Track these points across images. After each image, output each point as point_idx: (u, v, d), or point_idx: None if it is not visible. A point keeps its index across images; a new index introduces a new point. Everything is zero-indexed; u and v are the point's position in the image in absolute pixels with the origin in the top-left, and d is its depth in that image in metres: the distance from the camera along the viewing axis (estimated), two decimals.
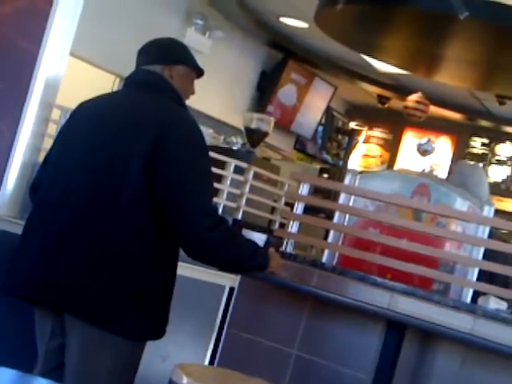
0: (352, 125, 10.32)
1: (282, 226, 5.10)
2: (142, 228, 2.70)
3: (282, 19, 7.51)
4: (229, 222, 2.90)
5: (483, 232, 3.20)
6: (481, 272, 3.21)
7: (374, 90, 9.00)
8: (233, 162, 5.12)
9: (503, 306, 3.14)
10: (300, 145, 9.65)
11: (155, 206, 2.70)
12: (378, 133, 10.38)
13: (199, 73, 3.00)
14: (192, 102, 3.13)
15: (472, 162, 8.72)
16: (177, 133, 2.74)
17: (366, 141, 10.39)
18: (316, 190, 6.59)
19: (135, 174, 2.68)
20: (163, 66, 2.88)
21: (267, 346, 3.20)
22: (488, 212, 3.30)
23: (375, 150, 10.37)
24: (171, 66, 2.89)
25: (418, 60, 6.53)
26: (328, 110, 9.63)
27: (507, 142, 9.57)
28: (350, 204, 3.41)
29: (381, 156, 10.31)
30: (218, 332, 4.40)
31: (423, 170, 7.87)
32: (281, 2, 7.00)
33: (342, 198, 3.42)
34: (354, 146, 10.20)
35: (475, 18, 4.82)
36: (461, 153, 9.80)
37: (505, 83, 6.68)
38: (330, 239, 3.42)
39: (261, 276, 2.99)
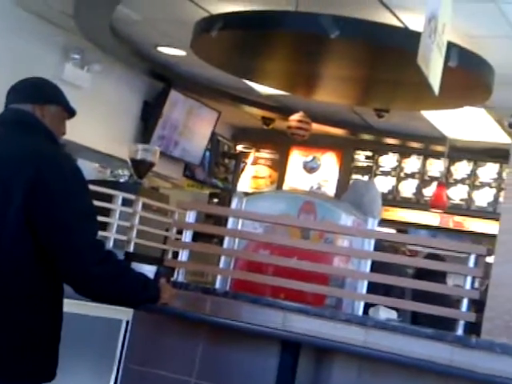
0: (239, 148, 10.41)
1: (177, 255, 5.09)
2: (23, 269, 2.65)
3: (160, 48, 7.53)
4: (117, 256, 2.87)
5: (369, 244, 3.28)
6: (375, 284, 3.29)
7: (258, 112, 9.11)
8: (120, 195, 5.09)
9: (393, 315, 3.22)
10: (189, 171, 9.67)
11: (37, 247, 2.66)
12: (265, 154, 10.51)
13: (71, 112, 2.98)
14: (76, 136, 3.11)
15: (365, 179, 8.93)
16: (54, 172, 2.71)
17: (255, 162, 10.50)
18: (208, 216, 6.62)
19: (16, 216, 2.63)
20: (35, 105, 2.85)
21: (166, 377, 3.18)
22: (372, 225, 3.38)
23: (264, 170, 10.49)
24: (43, 106, 2.86)
25: (296, 81, 6.64)
26: (213, 136, 9.69)
27: (390, 154, 9.84)
28: (239, 227, 3.43)
29: (270, 176, 10.43)
30: (118, 368, 4.34)
31: (311, 187, 8.00)
32: (157, 32, 7.02)
33: (231, 222, 3.44)
34: (243, 169, 10.30)
35: (346, 37, 4.95)
36: (346, 167, 10.01)
37: (381, 97, 6.88)
38: (221, 264, 3.43)
39: (154, 308, 2.97)
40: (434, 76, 3.64)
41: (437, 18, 3.60)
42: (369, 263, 3.24)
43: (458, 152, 9.16)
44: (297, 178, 10.05)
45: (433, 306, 3.06)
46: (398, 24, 5.73)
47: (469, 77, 5.35)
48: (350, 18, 5.08)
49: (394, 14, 5.66)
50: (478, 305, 3.05)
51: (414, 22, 5.45)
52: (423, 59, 3.53)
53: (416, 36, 3.40)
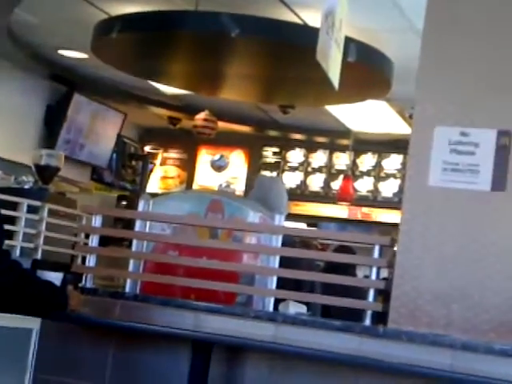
0: (147, 149, 10.34)
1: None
2: None
3: (61, 51, 7.41)
4: (22, 265, 2.82)
5: (277, 240, 3.30)
6: (285, 279, 3.31)
7: (164, 112, 9.07)
8: (25, 202, 5.00)
9: (303, 309, 3.26)
10: (96, 175, 9.55)
11: None
12: (173, 154, 10.46)
13: None
14: None
15: (270, 175, 8.99)
16: None
17: (163, 163, 10.44)
18: (118, 219, 6.55)
19: None
20: None
21: None
22: (279, 220, 3.40)
23: (173, 171, 10.44)
24: None
25: (200, 80, 6.64)
26: (119, 138, 9.60)
27: (297, 149, 9.93)
28: (148, 229, 3.41)
29: (179, 176, 10.39)
30: (30, 378, 4.25)
31: (220, 186, 8.01)
32: (57, 35, 6.91)
33: (138, 224, 3.42)
34: (152, 170, 10.23)
35: (247, 35, 4.97)
36: (255, 164, 10.06)
37: (284, 94, 6.93)
38: (130, 267, 3.40)
39: (62, 315, 2.93)
40: (334, 71, 3.68)
41: (334, 13, 3.64)
42: (277, 259, 3.27)
43: (363, 145, 9.31)
44: (206, 176, 10.04)
45: (339, 298, 3.11)
46: (298, 21, 5.79)
47: (368, 71, 5.45)
48: (250, 15, 5.11)
49: (293, 12, 5.71)
50: (386, 295, 3.11)
51: (314, 18, 5.51)
52: (322, 55, 3.57)
53: (316, 32, 3.44)
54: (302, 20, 5.77)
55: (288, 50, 5.32)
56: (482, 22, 2.97)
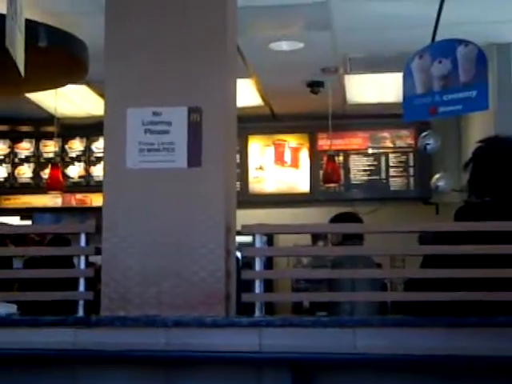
0: None
1: None
2: None
3: None
4: None
5: None
6: None
7: None
8: None
9: (13, 308, 3.13)
10: None
11: None
12: None
13: None
14: None
15: None
16: None
17: None
18: None
19: None
20: None
21: None
22: None
23: None
24: None
25: None
26: None
27: (1, 140, 9.55)
28: None
29: None
30: None
31: None
32: None
33: None
34: None
35: None
36: None
37: None
38: None
39: None
40: (20, 58, 3.57)
41: None
42: None
43: (70, 130, 9.16)
44: None
45: (51, 293, 3.01)
46: None
47: (62, 55, 5.31)
48: None
49: None
50: None
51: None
52: (10, 41, 3.45)
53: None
54: None
55: None
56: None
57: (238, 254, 3.18)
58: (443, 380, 2.57)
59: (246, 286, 2.84)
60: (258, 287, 2.77)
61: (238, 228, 2.95)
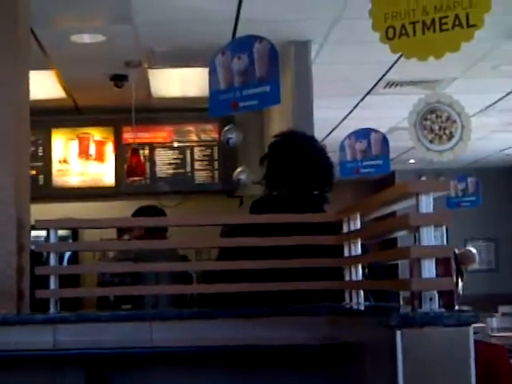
0: None
1: None
2: None
3: None
4: None
5: None
6: None
7: None
8: None
9: None
10: None
11: None
12: None
13: None
14: None
15: None
16: None
17: None
18: None
19: None
20: None
21: None
22: None
23: None
24: None
25: None
26: None
27: None
28: None
29: None
30: None
31: None
32: None
33: None
34: None
35: None
36: None
37: None
38: None
39: None
40: None
41: None
42: None
43: None
44: None
45: None
46: None
47: None
48: None
49: None
50: None
51: None
52: None
53: None
54: None
55: None
56: None
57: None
58: (239, 370, 2.62)
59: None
60: (52, 283, 2.72)
61: None
